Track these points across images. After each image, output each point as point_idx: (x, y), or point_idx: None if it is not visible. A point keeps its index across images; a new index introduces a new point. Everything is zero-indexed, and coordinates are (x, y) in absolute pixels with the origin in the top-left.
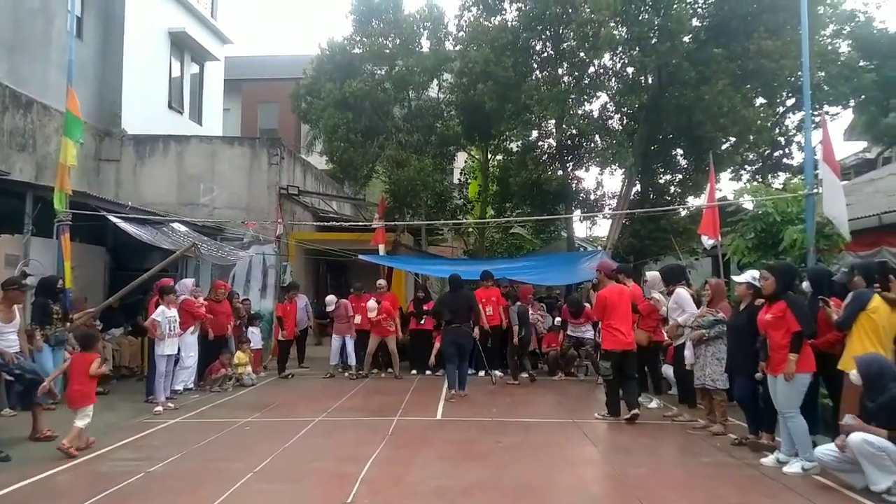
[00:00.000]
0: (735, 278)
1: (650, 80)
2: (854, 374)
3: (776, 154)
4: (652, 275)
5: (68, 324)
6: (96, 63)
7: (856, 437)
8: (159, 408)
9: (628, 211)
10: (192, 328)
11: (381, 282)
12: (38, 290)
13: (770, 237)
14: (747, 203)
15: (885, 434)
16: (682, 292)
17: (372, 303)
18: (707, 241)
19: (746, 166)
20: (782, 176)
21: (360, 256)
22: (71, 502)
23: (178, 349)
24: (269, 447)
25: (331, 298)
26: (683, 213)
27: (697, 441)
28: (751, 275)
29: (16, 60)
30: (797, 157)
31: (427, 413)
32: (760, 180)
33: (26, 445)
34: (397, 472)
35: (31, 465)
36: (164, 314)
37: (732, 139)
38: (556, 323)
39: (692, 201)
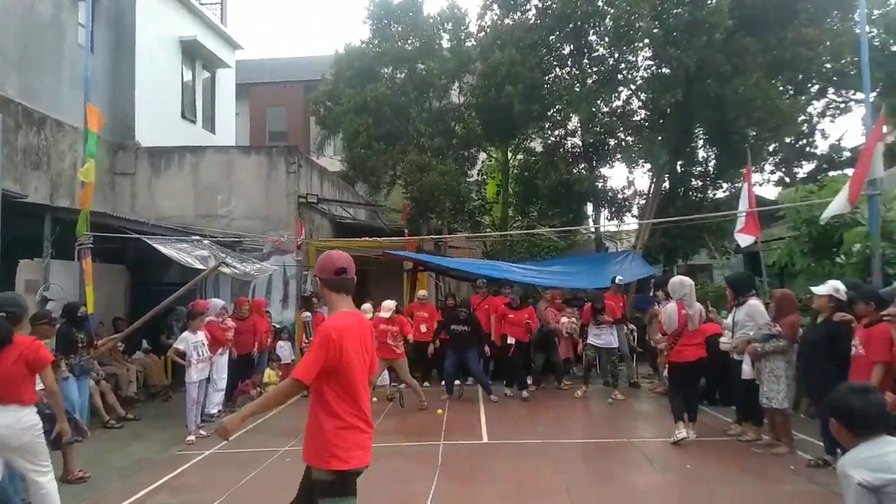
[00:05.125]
0: (814, 289)
1: (680, 75)
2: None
3: (799, 143)
4: (673, 280)
5: (93, 351)
6: (108, 75)
7: None
8: (192, 437)
9: (653, 221)
10: (220, 350)
11: (423, 292)
12: (62, 316)
13: (826, 239)
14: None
15: None
16: (757, 305)
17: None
18: (745, 240)
19: (770, 157)
20: (806, 166)
21: (386, 252)
22: None
23: (211, 371)
24: None
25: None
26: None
27: (769, 464)
28: (833, 286)
29: (27, 77)
30: (821, 146)
31: (472, 435)
32: (784, 169)
33: (60, 488)
34: None
35: None
36: (189, 340)
37: (761, 132)
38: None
39: (721, 196)
